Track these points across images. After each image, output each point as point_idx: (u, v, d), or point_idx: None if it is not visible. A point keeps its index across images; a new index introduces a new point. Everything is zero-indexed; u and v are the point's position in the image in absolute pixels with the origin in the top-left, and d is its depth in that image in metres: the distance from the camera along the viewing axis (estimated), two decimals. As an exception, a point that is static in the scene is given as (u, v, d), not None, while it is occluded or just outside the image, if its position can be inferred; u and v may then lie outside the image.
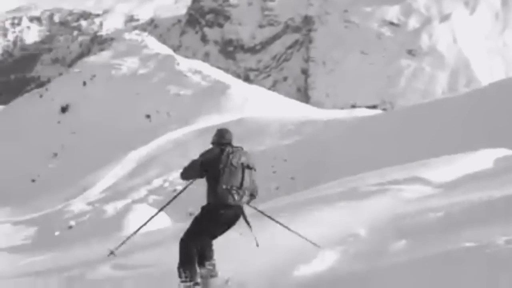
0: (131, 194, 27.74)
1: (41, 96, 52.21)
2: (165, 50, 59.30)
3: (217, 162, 5.27)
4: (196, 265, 5.24)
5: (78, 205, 27.69)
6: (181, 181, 28.20)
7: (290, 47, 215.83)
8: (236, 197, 5.17)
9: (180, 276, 5.21)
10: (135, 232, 6.08)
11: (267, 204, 11.76)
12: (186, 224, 5.54)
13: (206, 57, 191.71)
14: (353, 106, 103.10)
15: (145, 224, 6.05)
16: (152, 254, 9.65)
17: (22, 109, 49.91)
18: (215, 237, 5.48)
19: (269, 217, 6.22)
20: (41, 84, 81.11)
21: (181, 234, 5.40)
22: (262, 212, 6.17)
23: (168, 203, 6.14)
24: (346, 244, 6.24)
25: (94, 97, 47.43)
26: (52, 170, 39.22)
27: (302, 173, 25.30)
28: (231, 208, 5.21)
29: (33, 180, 38.65)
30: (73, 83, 50.95)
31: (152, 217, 6.16)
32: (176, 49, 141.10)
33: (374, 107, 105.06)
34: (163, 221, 21.04)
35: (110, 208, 23.75)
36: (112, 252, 6.10)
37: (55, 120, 46.29)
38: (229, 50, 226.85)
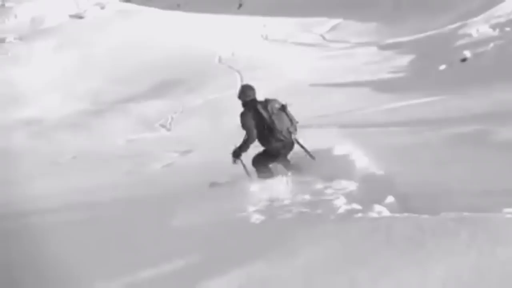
0: None
1: None
2: None
3: (261, 120, 6.79)
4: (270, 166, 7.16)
5: (478, 27, 22.13)
6: None
7: None
8: (291, 136, 6.92)
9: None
10: None
11: None
12: None
13: None
14: None
15: None
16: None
17: None
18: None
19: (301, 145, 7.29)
20: None
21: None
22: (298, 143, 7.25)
23: None
24: None
25: None
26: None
27: None
28: (288, 144, 6.97)
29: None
30: None
31: None
32: None
33: None
34: None
35: (532, 36, 18.56)
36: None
37: None
38: None
